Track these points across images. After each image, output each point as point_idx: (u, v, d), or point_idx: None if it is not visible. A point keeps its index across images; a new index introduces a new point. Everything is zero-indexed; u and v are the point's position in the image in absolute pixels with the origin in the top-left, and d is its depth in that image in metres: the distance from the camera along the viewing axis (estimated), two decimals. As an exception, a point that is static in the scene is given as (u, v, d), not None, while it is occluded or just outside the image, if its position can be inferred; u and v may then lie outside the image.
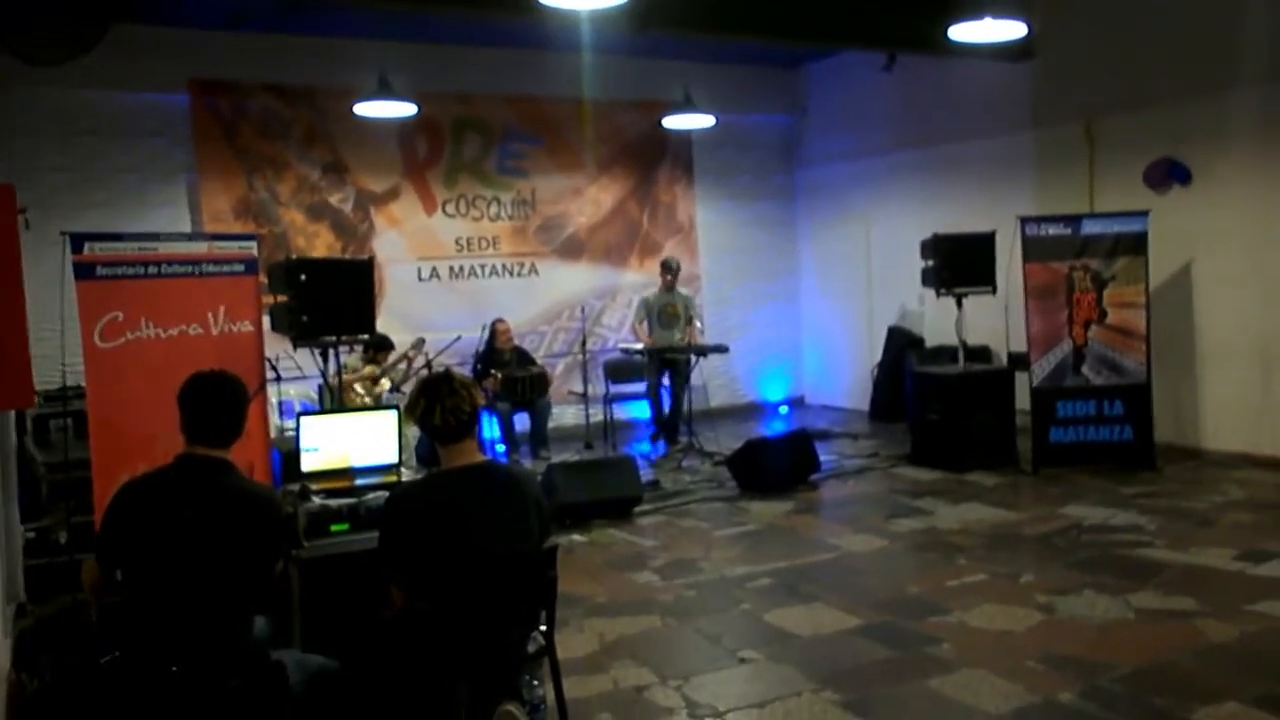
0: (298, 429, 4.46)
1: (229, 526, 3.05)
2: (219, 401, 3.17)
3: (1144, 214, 7.96)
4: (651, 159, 11.42)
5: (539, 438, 9.39)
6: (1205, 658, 4.30)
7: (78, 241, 4.99)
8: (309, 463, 4.40)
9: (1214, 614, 4.75)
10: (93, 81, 8.19)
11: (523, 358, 9.57)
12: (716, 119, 10.59)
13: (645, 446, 9.65)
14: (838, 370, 12.02)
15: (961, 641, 4.60)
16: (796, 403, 12.33)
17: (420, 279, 10.26)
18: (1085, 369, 7.97)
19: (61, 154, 8.71)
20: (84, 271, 5.00)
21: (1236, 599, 4.93)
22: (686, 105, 10.10)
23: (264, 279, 5.80)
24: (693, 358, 9.42)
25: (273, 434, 6.36)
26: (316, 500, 4.01)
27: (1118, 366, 7.93)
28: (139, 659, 3.00)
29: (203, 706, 2.95)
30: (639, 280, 11.03)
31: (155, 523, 3.02)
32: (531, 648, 3.36)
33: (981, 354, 9.28)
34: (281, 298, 5.72)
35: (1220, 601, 4.90)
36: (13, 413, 5.97)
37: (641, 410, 10.10)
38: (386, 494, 3.66)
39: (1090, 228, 8.02)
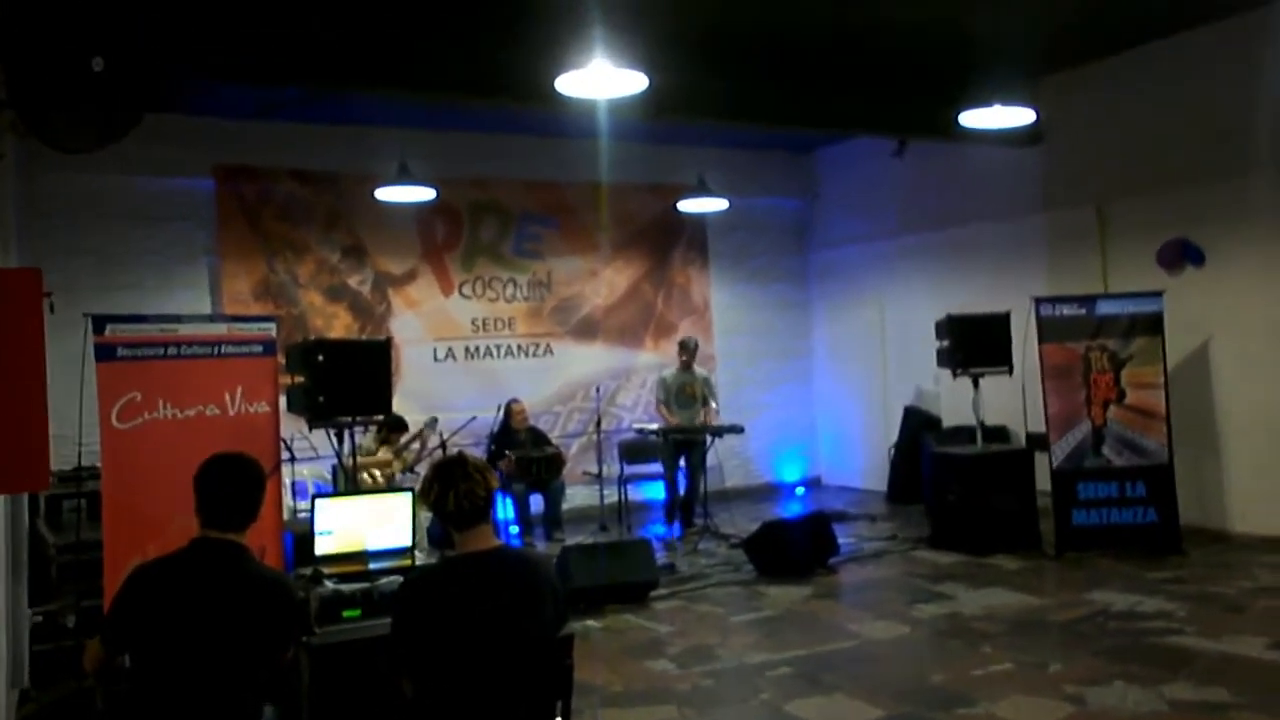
0: (312, 511, 4.43)
1: (241, 613, 3.01)
2: (235, 485, 3.15)
3: (1159, 294, 7.96)
4: (666, 241, 11.53)
5: (553, 519, 9.30)
6: (1243, 752, 4.15)
7: (99, 323, 5.06)
8: (323, 546, 4.36)
9: (1250, 706, 4.60)
10: (120, 167, 8.35)
11: (537, 438, 9.54)
12: (730, 202, 10.73)
13: (660, 528, 9.54)
14: (854, 451, 11.93)
15: (989, 734, 4.46)
16: (813, 483, 12.21)
17: (436, 359, 10.31)
18: (1106, 450, 7.89)
19: (87, 237, 8.86)
20: (105, 353, 5.06)
21: (1273, 690, 4.78)
22: (700, 189, 10.25)
23: (282, 360, 5.84)
24: (709, 438, 9.36)
25: (286, 515, 6.33)
26: (329, 585, 3.96)
27: (1138, 447, 7.84)
28: (145, 749, 2.93)
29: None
30: (654, 361, 11.06)
31: (166, 607, 2.98)
32: (546, 740, 3.27)
33: (999, 434, 9.20)
34: (299, 378, 5.75)
35: (1256, 693, 4.74)
36: (26, 494, 5.97)
37: (657, 491, 10.01)
38: (400, 578, 3.62)
39: (1105, 308, 8.02)
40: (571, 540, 8.35)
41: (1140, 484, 7.81)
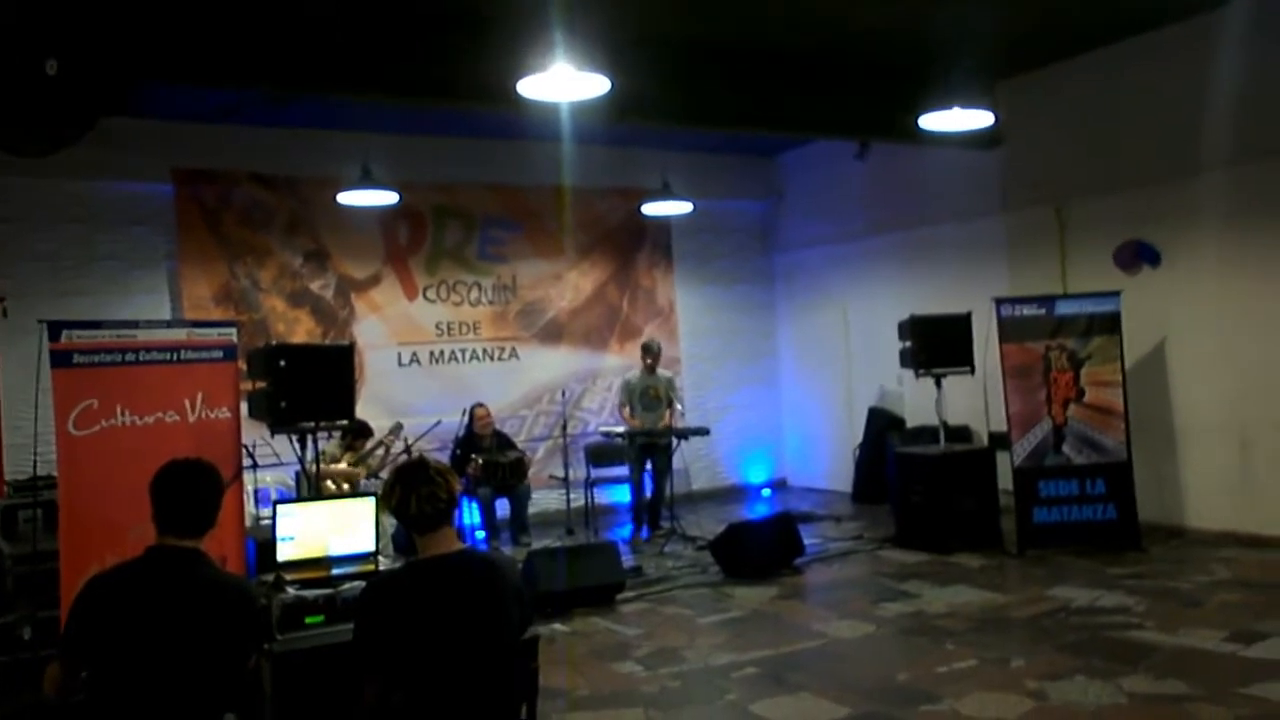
0: (274, 517, 4.38)
1: (199, 619, 2.97)
2: (191, 491, 3.10)
3: (1116, 294, 8.08)
4: (631, 244, 11.54)
5: (519, 523, 9.27)
6: (1200, 743, 4.22)
7: (55, 329, 4.97)
8: (284, 552, 4.32)
9: (1208, 698, 4.68)
10: (76, 171, 8.22)
11: (502, 442, 9.50)
12: (694, 205, 10.76)
13: (627, 531, 9.54)
14: (819, 452, 12.00)
15: (952, 730, 4.50)
16: (779, 485, 12.27)
17: (400, 364, 10.24)
18: (1066, 448, 7.99)
19: (42, 242, 8.72)
20: (60, 359, 4.97)
21: (1229, 682, 4.86)
22: (665, 192, 10.28)
23: (243, 365, 5.77)
24: (674, 441, 9.38)
25: (248, 522, 6.25)
26: (291, 591, 3.92)
27: (1098, 445, 7.95)
28: (104, 760, 2.88)
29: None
30: (619, 364, 11.05)
31: (122, 617, 2.93)
32: (512, 743, 3.26)
33: (962, 434, 9.29)
34: (260, 384, 5.69)
35: (1213, 685, 4.83)
36: (-20, 504, 5.86)
37: (623, 494, 10.01)
38: (363, 584, 3.59)
39: (1064, 308, 8.13)
40: (538, 544, 8.35)
41: (1100, 481, 7.92)
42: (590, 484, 9.70)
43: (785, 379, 12.52)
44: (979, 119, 7.49)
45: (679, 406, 9.73)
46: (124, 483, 4.60)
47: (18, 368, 4.43)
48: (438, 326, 10.47)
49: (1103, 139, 8.67)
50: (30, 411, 5.02)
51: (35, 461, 5.30)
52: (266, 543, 4.85)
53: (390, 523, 6.51)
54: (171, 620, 2.92)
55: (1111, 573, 7.13)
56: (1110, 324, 8.00)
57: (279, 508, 4.43)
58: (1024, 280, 9.25)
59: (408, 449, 8.37)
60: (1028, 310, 8.14)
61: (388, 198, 9.32)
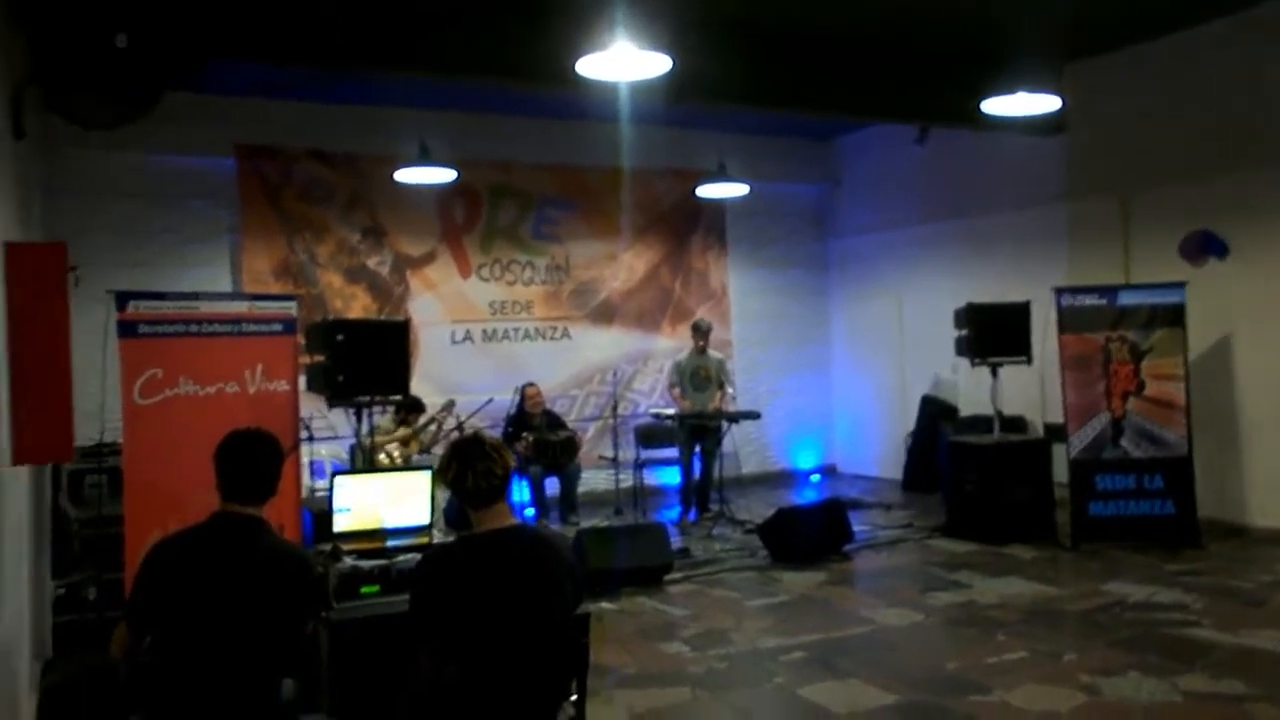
0: (331, 488, 4.45)
1: (261, 585, 3.03)
2: (256, 459, 3.17)
3: (1181, 285, 7.89)
4: (685, 226, 11.51)
5: (568, 502, 9.33)
6: (1259, 744, 4.14)
7: (122, 299, 5.09)
8: (341, 523, 4.38)
9: (1267, 698, 4.58)
10: (141, 145, 8.37)
11: (553, 421, 9.56)
12: (750, 188, 10.69)
13: (675, 513, 9.56)
14: (870, 439, 11.91)
15: (1003, 722, 4.46)
16: (828, 471, 12.20)
17: (454, 341, 10.33)
18: (1124, 441, 7.85)
19: (106, 214, 8.90)
20: (127, 329, 5.09)
21: (1289, 683, 4.76)
22: (721, 174, 10.21)
23: (301, 339, 5.86)
24: (724, 424, 9.36)
25: (304, 494, 6.37)
26: (348, 561, 3.98)
27: (1158, 439, 7.79)
28: (167, 719, 2.95)
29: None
30: (670, 346, 11.04)
31: (187, 582, 3.00)
32: (561, 718, 3.28)
33: (1017, 424, 9.16)
34: (318, 357, 5.78)
35: (1272, 685, 4.72)
36: (49, 469, 6.03)
37: (672, 476, 10.02)
38: (418, 556, 3.63)
39: (1127, 299, 7.96)
40: (586, 523, 8.38)
41: (1158, 476, 7.76)
42: (639, 465, 9.72)
43: (836, 364, 12.42)
44: (1045, 104, 7.35)
45: (730, 390, 9.70)
46: (185, 451, 4.72)
47: (84, 337, 4.53)
48: (491, 305, 10.54)
49: (1171, 126, 8.45)
50: (97, 380, 5.15)
51: (103, 428, 5.43)
52: (321, 513, 4.93)
53: (441, 497, 6.59)
54: (234, 586, 2.99)
55: (1168, 569, 6.99)
56: (1174, 316, 7.82)
57: (336, 479, 4.50)
58: (1084, 270, 9.07)
59: (459, 426, 8.47)
60: (1089, 300, 7.98)
61: (445, 175, 9.38)
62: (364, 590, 3.89)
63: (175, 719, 2.94)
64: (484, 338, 10.48)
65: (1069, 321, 7.94)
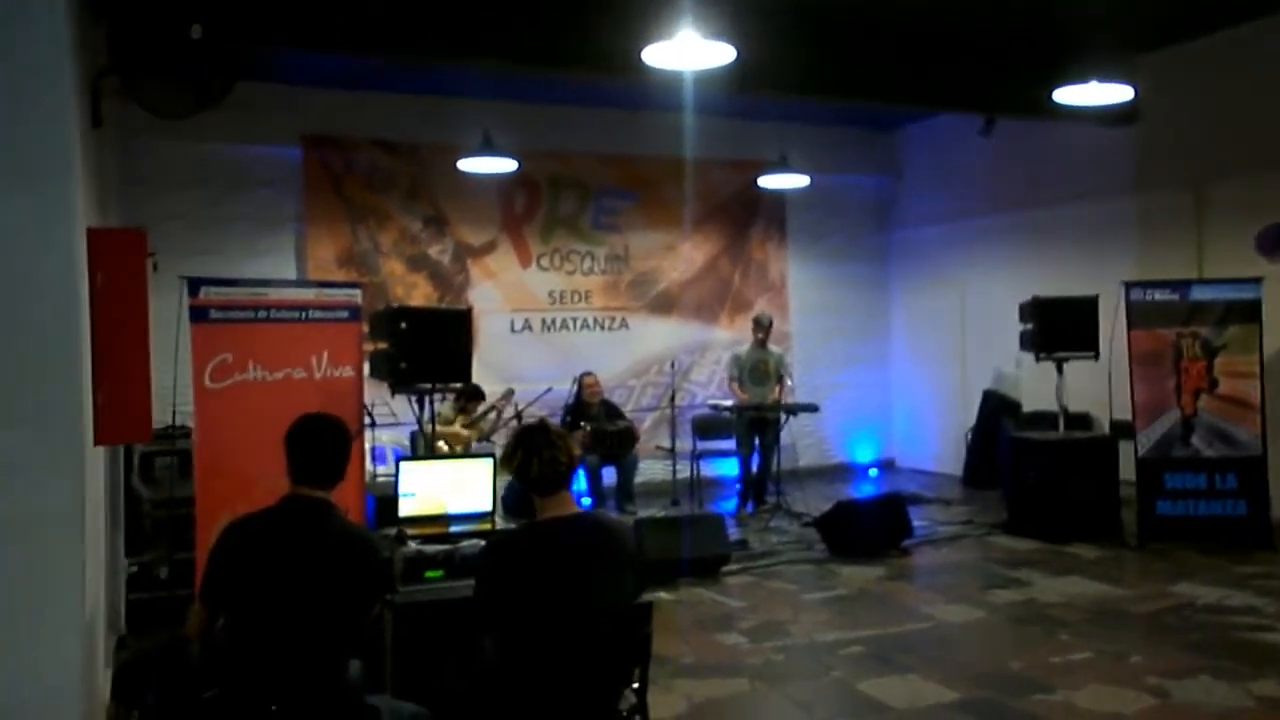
0: (397, 474, 4.51)
1: (330, 567, 3.08)
2: (325, 443, 3.22)
3: (1257, 281, 7.66)
4: (745, 217, 11.45)
5: (625, 492, 9.36)
6: (1336, 753, 4.02)
7: (194, 285, 5.20)
8: (406, 508, 4.45)
9: (1344, 707, 4.45)
10: (209, 134, 8.53)
11: (610, 411, 9.58)
12: (811, 179, 10.58)
13: (732, 504, 9.54)
14: (929, 433, 11.76)
15: (1068, 722, 4.38)
16: (886, 465, 12.09)
17: (513, 330, 10.40)
18: (1195, 440, 7.65)
19: (176, 202, 9.10)
20: (198, 314, 5.21)
21: (1368, 691, 4.61)
22: (782, 165, 10.12)
23: (365, 326, 5.94)
24: (783, 416, 9.31)
25: (366, 479, 6.46)
26: (413, 545, 4.04)
27: (1230, 438, 7.59)
28: (239, 696, 3.02)
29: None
30: (729, 337, 11.01)
31: (260, 563, 3.06)
32: (622, 706, 3.30)
33: (1082, 421, 8.97)
34: (382, 345, 5.84)
35: (1350, 693, 4.59)
36: (122, 450, 6.19)
37: (729, 467, 10.00)
38: (481, 542, 3.68)
39: (1199, 294, 7.76)
40: (643, 513, 8.40)
41: (1231, 476, 7.56)
42: (696, 456, 9.72)
43: (896, 358, 12.29)
44: (1117, 93, 7.16)
45: (790, 383, 9.65)
46: (254, 435, 4.83)
47: (157, 321, 4.64)
48: (550, 294, 10.59)
49: (1247, 118, 8.20)
50: (168, 363, 5.27)
51: (174, 411, 5.56)
52: (385, 499, 5.01)
53: (500, 484, 6.65)
54: (304, 568, 3.04)
55: (1239, 571, 6.81)
56: (1249, 312, 7.60)
57: (402, 465, 4.57)
58: (1154, 264, 8.84)
59: (518, 414, 8.52)
60: (1160, 295, 7.80)
61: (507, 165, 9.42)
62: (428, 575, 3.94)
63: (246, 697, 3.00)
64: (543, 327, 10.54)
65: (1138, 317, 7.76)
